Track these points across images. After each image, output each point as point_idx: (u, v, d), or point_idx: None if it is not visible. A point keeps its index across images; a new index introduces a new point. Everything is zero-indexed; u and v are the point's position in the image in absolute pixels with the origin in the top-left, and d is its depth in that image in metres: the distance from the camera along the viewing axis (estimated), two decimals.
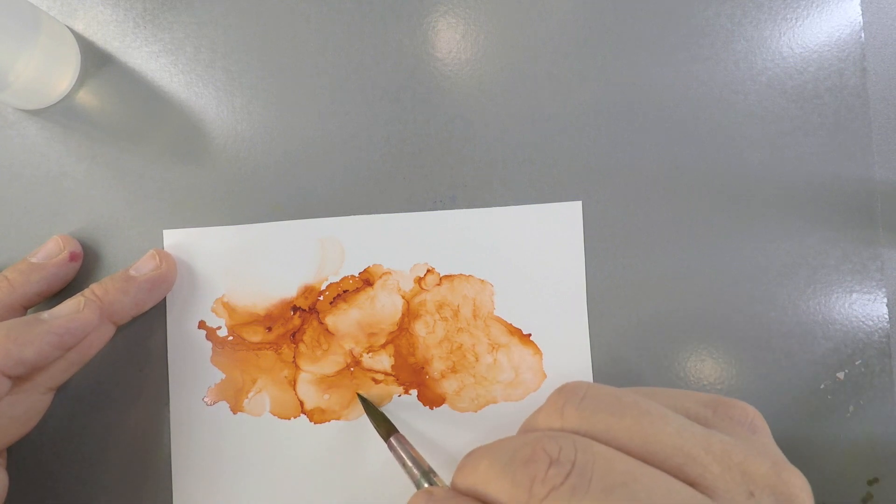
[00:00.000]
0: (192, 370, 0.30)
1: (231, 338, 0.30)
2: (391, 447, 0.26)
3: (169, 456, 0.29)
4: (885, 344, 0.28)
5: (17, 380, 0.25)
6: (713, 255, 0.29)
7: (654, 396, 0.20)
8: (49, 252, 0.29)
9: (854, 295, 0.28)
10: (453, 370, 0.29)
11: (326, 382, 0.29)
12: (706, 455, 0.17)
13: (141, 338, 0.30)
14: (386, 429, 0.27)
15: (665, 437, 0.17)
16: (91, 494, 0.29)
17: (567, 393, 0.19)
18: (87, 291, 0.27)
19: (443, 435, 0.29)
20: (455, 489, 0.19)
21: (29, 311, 0.29)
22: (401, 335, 0.29)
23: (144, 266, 0.28)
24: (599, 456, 0.17)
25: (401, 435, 0.26)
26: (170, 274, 0.29)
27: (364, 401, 0.29)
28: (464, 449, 0.28)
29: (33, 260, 0.28)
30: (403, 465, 0.25)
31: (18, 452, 0.29)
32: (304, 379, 0.29)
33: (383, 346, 0.29)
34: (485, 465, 0.18)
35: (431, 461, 0.28)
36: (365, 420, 0.29)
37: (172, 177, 0.30)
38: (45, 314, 0.26)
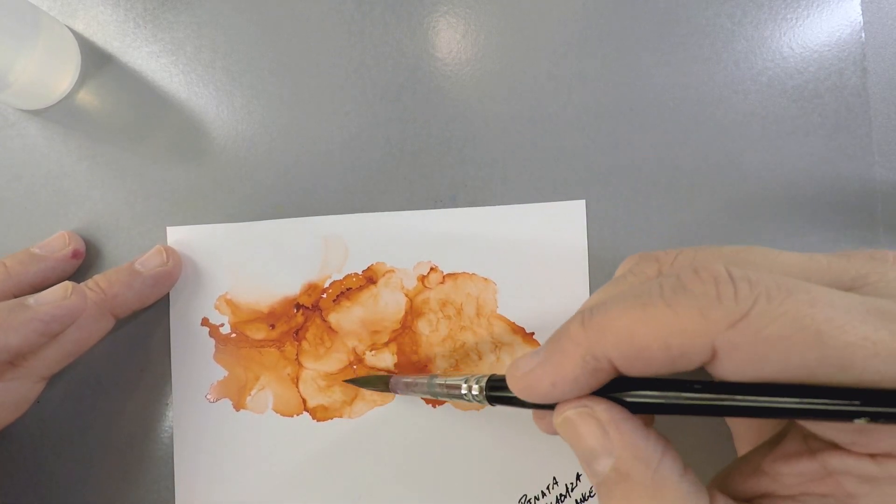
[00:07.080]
0: (195, 367, 0.30)
1: (234, 335, 0.30)
2: (396, 389, 0.27)
3: (171, 453, 0.29)
4: None
5: (8, 366, 0.25)
6: None
7: None
8: (52, 245, 0.29)
9: None
10: (456, 368, 0.29)
11: (329, 380, 0.29)
12: None
13: (144, 335, 0.30)
14: (384, 382, 0.28)
15: None
16: (93, 491, 0.30)
17: None
18: (90, 282, 0.27)
19: (446, 434, 0.29)
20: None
21: None
22: (404, 333, 0.29)
23: (151, 261, 0.28)
24: None
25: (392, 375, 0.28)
26: (175, 270, 0.29)
27: (356, 381, 0.29)
28: (468, 448, 0.29)
29: (35, 251, 0.28)
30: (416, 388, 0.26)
31: (19, 453, 0.30)
32: (306, 376, 0.29)
33: (386, 344, 0.29)
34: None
35: (435, 460, 0.29)
36: (367, 418, 0.29)
37: (173, 177, 0.30)
38: (31, 299, 0.25)
